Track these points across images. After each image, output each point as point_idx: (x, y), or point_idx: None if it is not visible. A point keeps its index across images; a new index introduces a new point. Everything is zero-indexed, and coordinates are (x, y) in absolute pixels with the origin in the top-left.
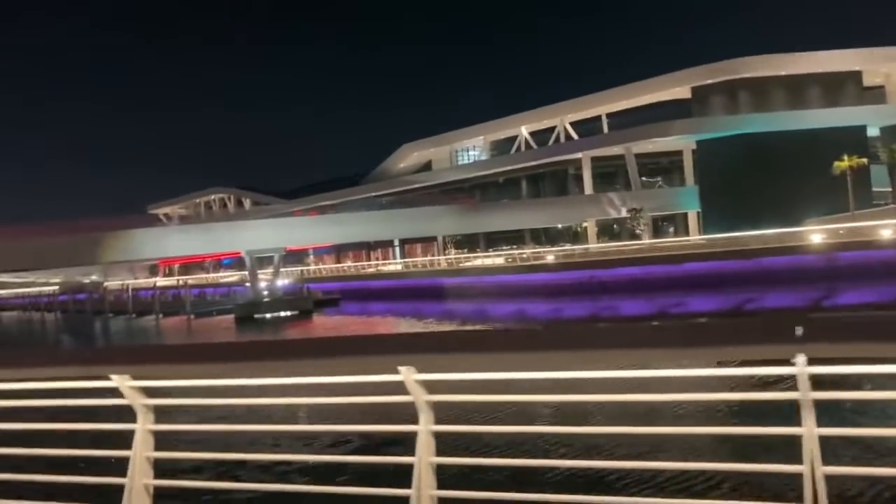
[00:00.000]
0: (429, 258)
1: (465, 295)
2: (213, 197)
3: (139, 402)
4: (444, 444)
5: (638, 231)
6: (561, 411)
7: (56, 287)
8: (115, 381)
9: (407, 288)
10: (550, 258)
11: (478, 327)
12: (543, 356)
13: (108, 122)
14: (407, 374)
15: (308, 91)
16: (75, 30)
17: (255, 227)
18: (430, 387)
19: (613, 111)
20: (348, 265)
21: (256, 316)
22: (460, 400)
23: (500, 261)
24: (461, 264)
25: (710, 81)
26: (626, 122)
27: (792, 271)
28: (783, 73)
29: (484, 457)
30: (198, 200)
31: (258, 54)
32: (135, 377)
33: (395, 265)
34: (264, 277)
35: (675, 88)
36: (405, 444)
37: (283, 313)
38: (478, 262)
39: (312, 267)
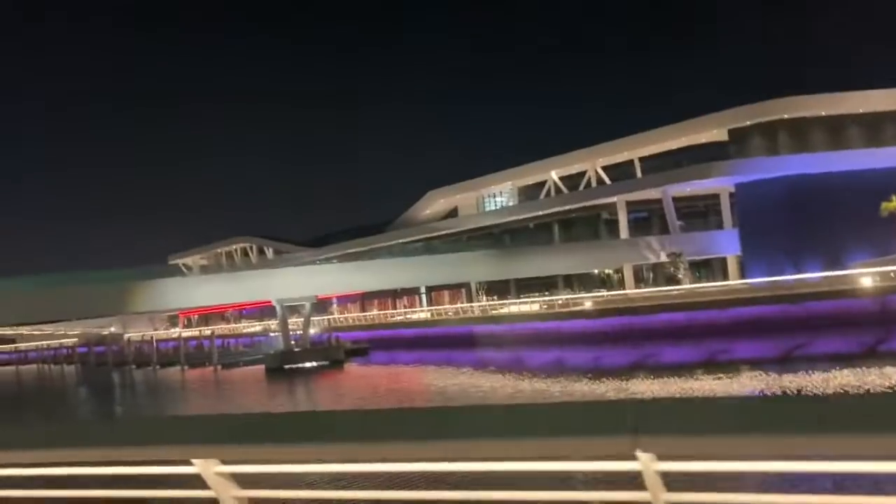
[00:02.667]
0: (459, 305)
1: (498, 343)
2: (234, 247)
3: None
4: None
5: (678, 276)
6: None
7: (75, 339)
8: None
9: (437, 336)
10: (588, 304)
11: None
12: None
13: (127, 172)
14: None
15: (334, 140)
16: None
17: (285, 275)
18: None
19: (646, 155)
20: (374, 314)
21: (287, 367)
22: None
23: (534, 307)
24: (494, 311)
25: (748, 123)
26: (659, 165)
27: (842, 315)
28: (823, 113)
29: None
30: (219, 250)
31: (277, 101)
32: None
33: (423, 313)
34: (292, 327)
35: (711, 131)
36: None
37: (313, 364)
38: (512, 309)
39: (337, 315)
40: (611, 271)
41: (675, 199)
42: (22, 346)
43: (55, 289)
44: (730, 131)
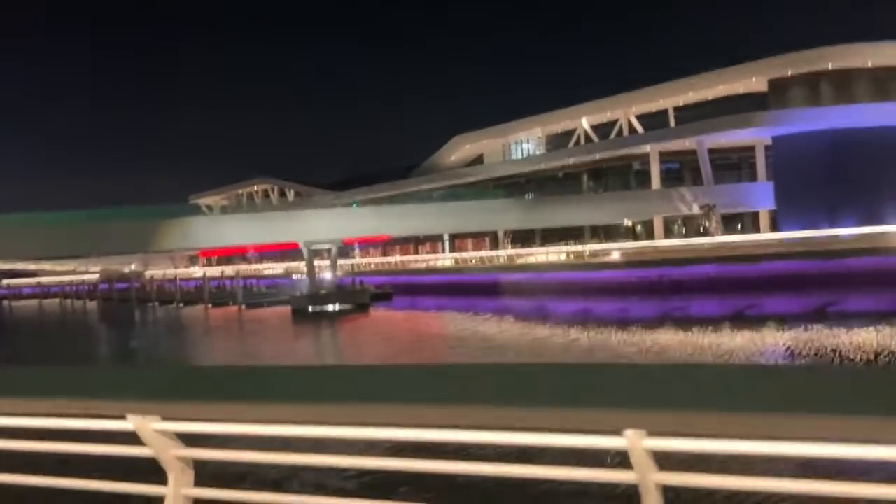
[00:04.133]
0: (485, 253)
1: (523, 292)
2: (255, 188)
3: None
4: None
5: (710, 228)
6: None
7: (96, 276)
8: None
9: (461, 283)
10: (616, 255)
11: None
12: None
13: (147, 113)
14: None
15: (357, 80)
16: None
17: (313, 217)
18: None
19: (681, 104)
20: (396, 259)
21: (312, 309)
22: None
23: (561, 257)
24: (520, 259)
25: (790, 73)
26: (693, 116)
27: (879, 272)
28: (869, 63)
29: None
30: (240, 191)
31: (304, 41)
32: (165, 417)
33: (446, 260)
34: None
35: (750, 80)
36: None
37: (338, 307)
38: (539, 258)
39: (359, 260)
40: (633, 223)
41: (708, 151)
42: (44, 280)
43: (83, 224)
44: (770, 81)
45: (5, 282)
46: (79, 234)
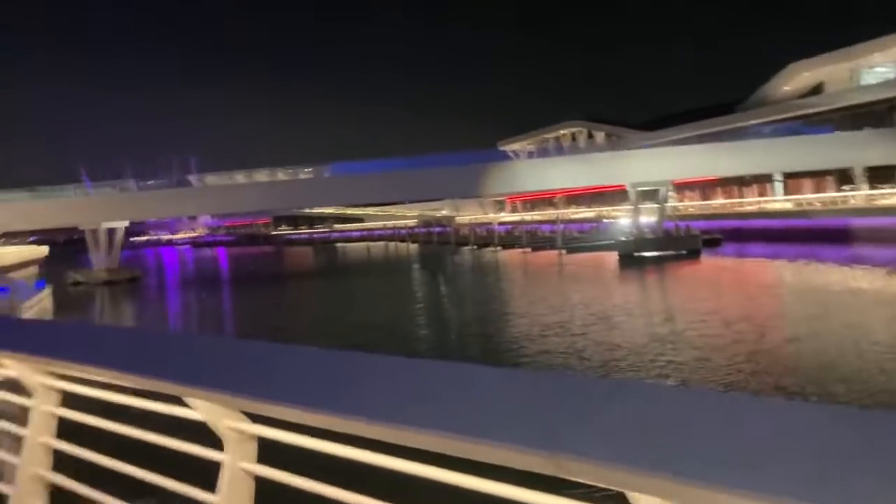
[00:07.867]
0: (828, 194)
1: (883, 238)
2: (563, 132)
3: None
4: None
5: None
6: None
7: (415, 220)
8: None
9: (800, 228)
10: None
11: None
12: None
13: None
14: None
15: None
16: None
17: (640, 158)
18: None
19: None
20: (721, 202)
21: (637, 254)
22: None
23: None
24: (884, 200)
25: None
26: None
27: None
28: None
29: None
30: (547, 136)
31: None
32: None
33: (782, 203)
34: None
35: None
36: None
37: (665, 252)
38: None
39: (676, 203)
40: None
41: None
42: (368, 224)
43: (404, 172)
44: None
45: (337, 226)
46: (401, 180)
